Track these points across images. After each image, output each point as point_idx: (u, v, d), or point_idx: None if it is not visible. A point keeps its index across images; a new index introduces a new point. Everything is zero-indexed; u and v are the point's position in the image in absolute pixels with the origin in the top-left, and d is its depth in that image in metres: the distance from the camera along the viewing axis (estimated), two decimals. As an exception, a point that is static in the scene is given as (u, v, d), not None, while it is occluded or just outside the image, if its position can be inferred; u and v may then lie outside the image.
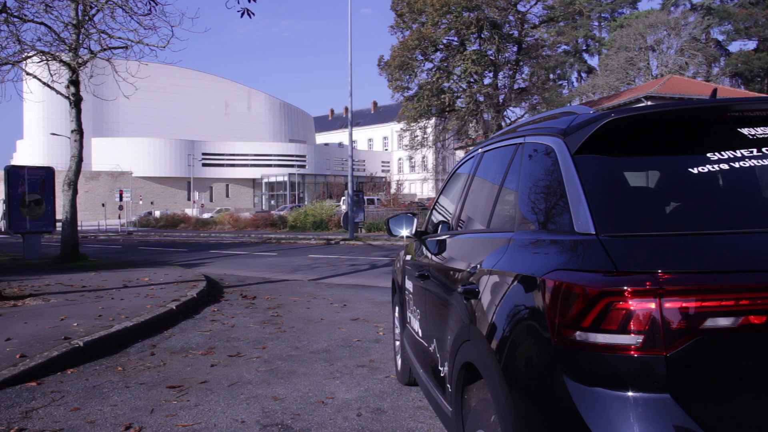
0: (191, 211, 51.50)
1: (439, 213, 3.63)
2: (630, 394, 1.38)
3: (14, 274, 11.28)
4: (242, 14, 8.80)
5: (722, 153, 1.75)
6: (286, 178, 61.90)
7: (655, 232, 1.58)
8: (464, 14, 30.01)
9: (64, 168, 19.22)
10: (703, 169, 1.73)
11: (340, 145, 73.24)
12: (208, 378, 4.52)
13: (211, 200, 63.32)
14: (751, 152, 1.75)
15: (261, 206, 61.65)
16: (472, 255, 2.36)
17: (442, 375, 2.58)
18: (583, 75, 57.68)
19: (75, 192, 14.15)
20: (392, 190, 40.98)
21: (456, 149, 41.94)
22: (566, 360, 1.47)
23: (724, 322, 1.37)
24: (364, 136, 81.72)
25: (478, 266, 2.18)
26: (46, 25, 12.95)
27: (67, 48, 13.41)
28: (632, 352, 1.39)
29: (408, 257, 3.87)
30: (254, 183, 66.01)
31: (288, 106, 74.37)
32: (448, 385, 2.41)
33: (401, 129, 35.97)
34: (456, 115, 33.18)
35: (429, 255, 3.18)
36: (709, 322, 1.37)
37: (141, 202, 52.52)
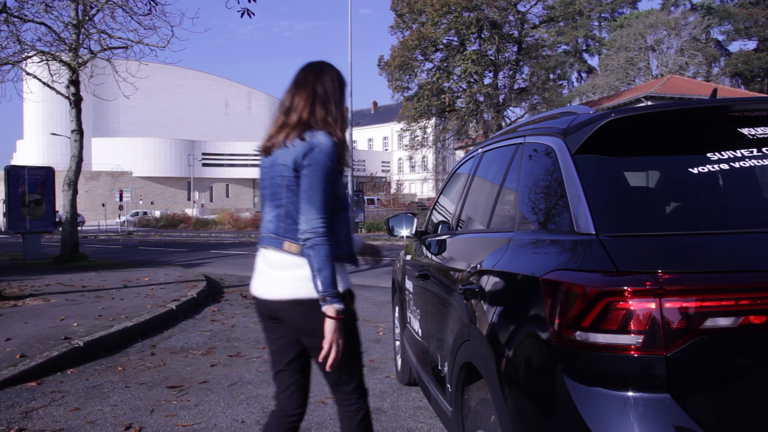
0: (191, 211, 51.52)
1: (439, 213, 3.63)
2: (630, 394, 1.38)
3: (14, 274, 11.28)
4: (242, 14, 8.81)
5: (722, 153, 1.75)
6: (286, 178, 61.80)
7: (655, 232, 1.58)
8: (464, 14, 29.99)
9: (64, 168, 19.21)
10: (703, 169, 1.73)
11: (340, 145, 73.13)
12: (208, 378, 4.52)
13: (211, 200, 63.35)
14: (751, 152, 1.75)
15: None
16: (472, 255, 2.36)
17: (442, 375, 2.58)
18: (583, 75, 57.66)
19: (75, 192, 14.15)
20: (392, 190, 41.02)
21: (456, 149, 41.93)
22: (566, 360, 1.47)
23: (724, 322, 1.37)
24: (364, 136, 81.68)
25: (478, 266, 2.18)
26: (46, 25, 12.95)
27: (67, 48, 13.40)
28: (632, 352, 1.39)
29: (408, 257, 3.87)
30: (254, 183, 65.98)
31: (288, 106, 74.31)
32: (448, 385, 2.41)
33: (401, 129, 35.97)
34: (456, 115, 33.16)
35: (429, 255, 3.18)
36: (709, 322, 1.37)
37: (141, 202, 52.51)
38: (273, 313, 2.17)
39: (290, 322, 2.13)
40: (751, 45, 50.10)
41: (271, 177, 2.12)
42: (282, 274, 2.10)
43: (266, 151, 2.14)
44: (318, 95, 2.10)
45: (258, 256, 2.24)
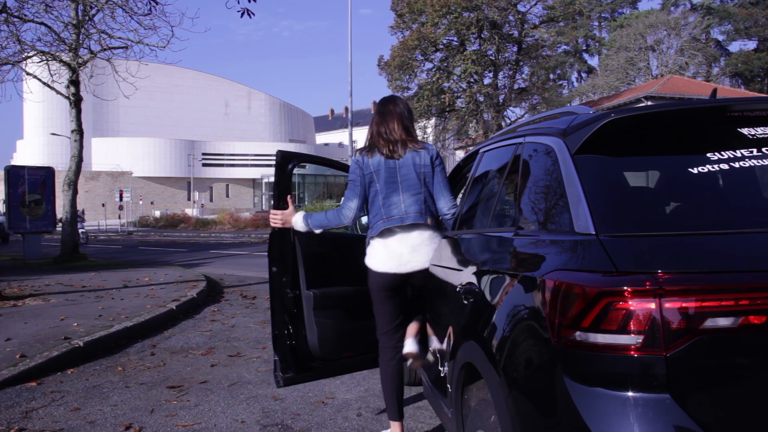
0: (191, 211, 51.49)
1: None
2: (630, 394, 1.38)
3: (14, 274, 11.28)
4: (242, 14, 8.80)
5: (722, 153, 1.75)
6: (286, 178, 61.68)
7: (654, 232, 1.58)
8: (464, 14, 29.96)
9: (64, 168, 19.21)
10: (702, 169, 1.73)
11: (340, 145, 73.16)
12: (208, 378, 4.52)
13: (211, 200, 63.30)
14: (751, 152, 1.75)
15: (261, 206, 61.59)
16: (473, 255, 2.36)
17: (442, 375, 2.58)
18: (583, 75, 57.62)
19: (75, 192, 14.14)
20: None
21: (456, 149, 41.91)
22: (566, 360, 1.47)
23: (723, 322, 1.37)
24: (364, 136, 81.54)
25: (478, 266, 2.18)
26: (46, 25, 12.95)
27: (67, 48, 13.40)
28: (632, 352, 1.39)
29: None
30: (254, 183, 65.93)
31: (288, 106, 74.33)
32: (449, 386, 2.41)
33: (401, 129, 35.91)
34: (456, 115, 33.14)
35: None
36: (709, 322, 1.37)
37: (141, 202, 52.48)
38: (403, 282, 2.93)
39: (419, 282, 2.93)
40: (751, 45, 50.08)
41: (404, 174, 2.94)
42: (425, 249, 2.89)
43: (391, 156, 2.97)
44: (404, 118, 3.04)
45: (392, 240, 2.91)
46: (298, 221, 3.02)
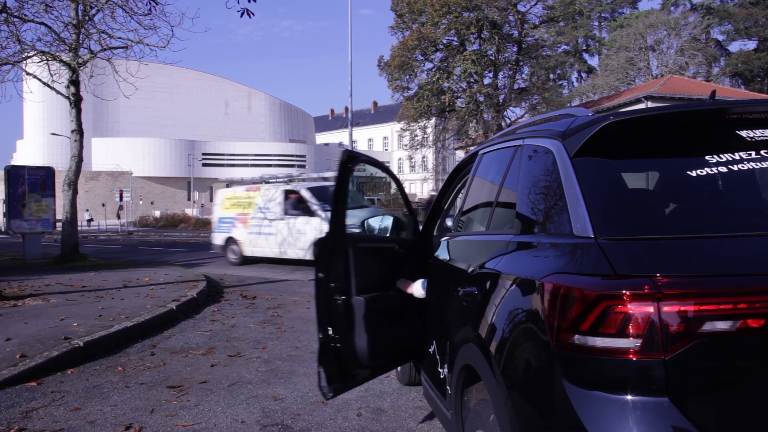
0: (191, 211, 51.49)
1: (438, 215, 3.62)
2: (628, 397, 1.38)
3: (14, 274, 11.28)
4: (242, 14, 8.78)
5: (720, 155, 1.75)
6: (286, 178, 61.62)
7: (653, 236, 1.58)
8: (464, 14, 29.94)
9: (64, 168, 19.19)
10: (701, 171, 1.73)
11: (340, 145, 73.11)
12: (208, 378, 4.53)
13: (211, 200, 63.24)
14: (749, 155, 1.75)
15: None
16: (472, 257, 2.37)
17: (441, 377, 2.59)
18: (583, 75, 57.58)
19: (75, 192, 14.13)
20: (392, 191, 40.91)
21: (456, 149, 41.89)
22: (565, 363, 1.48)
23: (722, 325, 1.37)
24: (364, 136, 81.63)
25: (478, 268, 2.19)
26: (46, 25, 12.94)
27: (67, 48, 13.39)
28: (631, 356, 1.39)
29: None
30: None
31: (288, 106, 74.27)
32: (448, 387, 2.42)
33: (401, 129, 35.91)
34: (456, 115, 33.11)
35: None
36: (708, 326, 1.37)
37: (141, 202, 52.47)
38: None
39: None
40: (751, 45, 50.04)
41: None
42: None
43: None
44: None
45: None
46: (418, 289, 3.05)
